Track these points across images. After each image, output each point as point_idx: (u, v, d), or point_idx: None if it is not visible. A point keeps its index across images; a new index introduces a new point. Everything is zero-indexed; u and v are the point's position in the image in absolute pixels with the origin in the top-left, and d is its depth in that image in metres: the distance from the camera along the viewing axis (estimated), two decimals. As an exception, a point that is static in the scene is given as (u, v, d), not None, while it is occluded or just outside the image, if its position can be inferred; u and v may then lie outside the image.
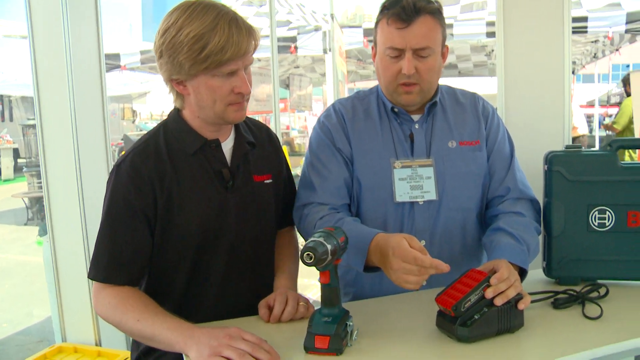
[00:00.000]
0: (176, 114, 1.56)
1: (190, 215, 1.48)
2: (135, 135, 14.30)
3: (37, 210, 9.15)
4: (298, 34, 6.49)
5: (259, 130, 1.71)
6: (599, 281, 1.68)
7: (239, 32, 1.39)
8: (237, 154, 1.58)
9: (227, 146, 1.58)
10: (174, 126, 1.54)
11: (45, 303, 4.15)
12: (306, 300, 1.53)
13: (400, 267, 1.37)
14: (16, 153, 15.90)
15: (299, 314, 1.48)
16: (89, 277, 1.47)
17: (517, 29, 2.51)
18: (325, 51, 5.96)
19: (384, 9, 1.68)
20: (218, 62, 1.38)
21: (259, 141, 1.66)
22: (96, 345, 3.18)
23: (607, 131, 9.78)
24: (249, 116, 1.70)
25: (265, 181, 1.63)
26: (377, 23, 1.73)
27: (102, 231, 1.47)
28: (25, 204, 9.47)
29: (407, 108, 1.77)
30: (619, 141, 1.72)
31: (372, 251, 1.49)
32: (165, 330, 1.32)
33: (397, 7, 1.63)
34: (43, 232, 7.41)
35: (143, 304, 1.41)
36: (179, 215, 1.47)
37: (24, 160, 10.95)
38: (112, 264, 1.44)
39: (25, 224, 9.22)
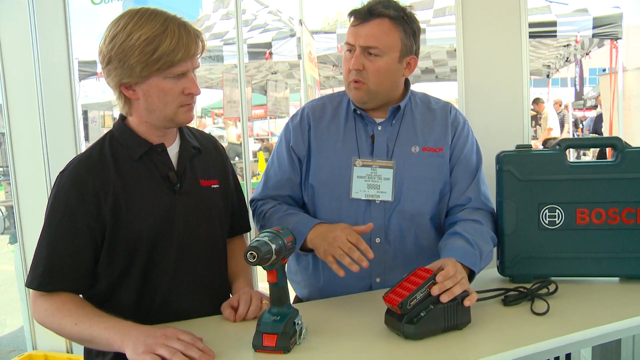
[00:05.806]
0: (121, 122, 1.58)
1: (139, 219, 1.49)
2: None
3: (13, 218, 9.05)
4: (273, 39, 6.52)
5: (204, 139, 1.74)
6: (551, 278, 1.72)
7: (188, 34, 1.45)
8: (183, 158, 1.60)
9: (173, 151, 1.60)
10: (119, 134, 1.56)
11: (19, 312, 4.11)
12: (268, 299, 1.55)
13: (343, 241, 1.56)
14: (-8, 162, 15.67)
15: (262, 312, 1.51)
16: (26, 285, 1.46)
17: (476, 33, 2.55)
18: (299, 57, 5.97)
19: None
20: (170, 63, 1.43)
21: (204, 148, 1.69)
22: (67, 352, 3.17)
23: None
24: (199, 128, 1.76)
25: (212, 186, 1.65)
26: None
27: (42, 239, 1.47)
28: (1, 212, 9.36)
29: (365, 108, 1.81)
30: (567, 140, 1.77)
31: (313, 230, 1.67)
32: (102, 330, 1.33)
33: (357, 8, 1.75)
34: (14, 240, 7.33)
35: (80, 307, 1.41)
36: (127, 220, 1.48)
37: (0, 169, 10.81)
38: (48, 272, 1.44)
39: (2, 233, 9.11)
